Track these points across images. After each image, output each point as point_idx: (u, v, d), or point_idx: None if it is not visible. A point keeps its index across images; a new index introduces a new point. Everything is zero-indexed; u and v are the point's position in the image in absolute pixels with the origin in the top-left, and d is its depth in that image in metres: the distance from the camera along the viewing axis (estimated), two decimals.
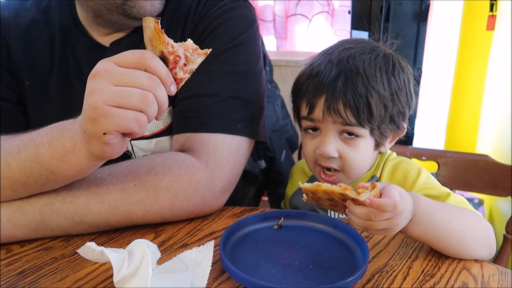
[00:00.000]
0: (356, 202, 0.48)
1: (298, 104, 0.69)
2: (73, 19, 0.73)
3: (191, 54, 0.49)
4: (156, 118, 0.48)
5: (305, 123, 0.68)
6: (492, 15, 1.53)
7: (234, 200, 0.70)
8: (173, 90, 0.48)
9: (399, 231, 0.51)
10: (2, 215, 0.56)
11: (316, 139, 0.67)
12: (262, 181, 1.02)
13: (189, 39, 0.50)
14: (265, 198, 1.16)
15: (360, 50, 0.66)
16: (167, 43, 0.48)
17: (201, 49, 0.50)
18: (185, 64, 0.48)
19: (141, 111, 0.46)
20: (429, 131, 2.00)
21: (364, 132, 0.65)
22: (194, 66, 0.49)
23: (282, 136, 1.11)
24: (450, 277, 0.50)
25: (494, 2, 1.52)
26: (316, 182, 0.51)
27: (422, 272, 0.51)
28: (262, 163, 1.01)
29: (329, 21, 2.20)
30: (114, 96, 0.45)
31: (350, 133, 0.65)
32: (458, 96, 1.95)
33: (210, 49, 0.50)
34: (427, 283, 0.49)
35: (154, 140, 0.72)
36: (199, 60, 0.50)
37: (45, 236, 0.58)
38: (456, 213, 0.54)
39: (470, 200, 1.74)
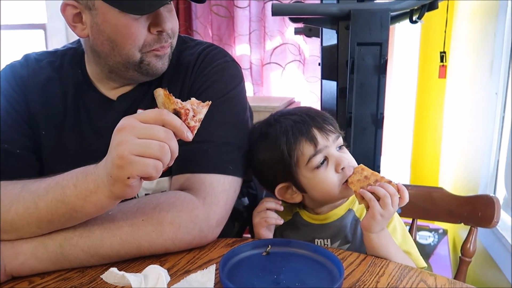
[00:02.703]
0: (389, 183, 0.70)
1: (299, 153, 0.75)
2: (83, 76, 0.84)
3: (196, 107, 0.61)
4: (168, 165, 0.59)
5: (316, 160, 0.74)
6: (443, 65, 1.75)
7: (221, 235, 0.78)
8: (190, 136, 0.59)
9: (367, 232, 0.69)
10: (26, 250, 0.64)
11: (329, 166, 0.75)
12: (245, 218, 1.12)
13: (193, 97, 0.62)
14: (247, 235, 1.24)
15: (282, 110, 0.83)
16: (177, 102, 0.59)
17: None
18: (194, 116, 0.60)
19: (158, 159, 0.56)
20: (396, 168, 2.17)
21: (342, 140, 0.79)
22: (201, 115, 0.61)
23: None
24: None
25: (444, 54, 1.74)
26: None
27: (388, 284, 0.62)
28: (246, 200, 1.10)
29: (301, 69, 2.40)
30: (138, 147, 0.55)
31: (340, 146, 0.78)
32: (419, 137, 2.14)
33: (210, 101, 0.62)
34: None
35: (155, 181, 0.82)
36: (204, 110, 0.61)
37: (63, 268, 0.66)
38: (401, 258, 0.73)
39: (436, 230, 1.88)
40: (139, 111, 0.81)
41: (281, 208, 0.81)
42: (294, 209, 0.85)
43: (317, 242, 0.80)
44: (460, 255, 0.97)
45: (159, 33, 0.74)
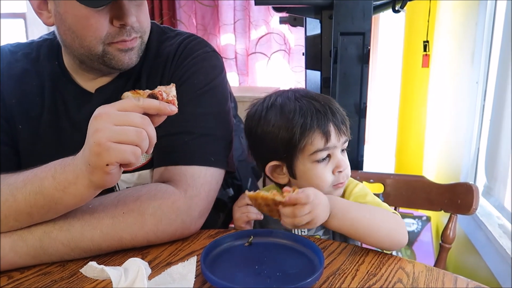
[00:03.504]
0: (283, 204, 0.61)
1: (309, 141, 0.74)
2: (61, 68, 0.82)
3: (165, 89, 0.61)
4: (146, 152, 0.58)
5: (321, 155, 0.74)
6: (426, 55, 1.77)
7: (207, 225, 0.78)
8: (174, 108, 0.59)
9: (324, 225, 0.66)
10: (5, 244, 0.63)
11: (329, 165, 0.75)
12: (230, 208, 1.12)
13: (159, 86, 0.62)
14: (232, 225, 1.25)
15: (305, 90, 0.81)
16: (146, 91, 0.60)
17: (178, 93, 0.62)
18: (167, 95, 0.60)
19: (136, 145, 0.56)
20: (380, 158, 2.20)
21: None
22: (174, 92, 0.61)
23: (247, 166, 1.21)
24: (389, 275, 0.62)
25: (427, 43, 1.75)
26: (258, 191, 0.63)
27: (367, 273, 0.63)
28: (230, 191, 1.10)
29: (286, 59, 2.39)
30: (115, 134, 0.55)
31: (342, 150, 0.78)
32: (403, 126, 2.17)
33: (173, 83, 0.62)
34: (370, 281, 0.60)
35: (137, 173, 0.81)
36: (173, 89, 0.62)
37: (43, 262, 0.65)
38: (370, 210, 0.71)
39: (419, 217, 1.92)
40: None
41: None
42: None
43: (295, 231, 0.80)
44: (440, 241, 0.99)
45: (121, 26, 0.72)
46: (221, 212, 1.08)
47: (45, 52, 0.84)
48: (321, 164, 0.75)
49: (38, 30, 2.54)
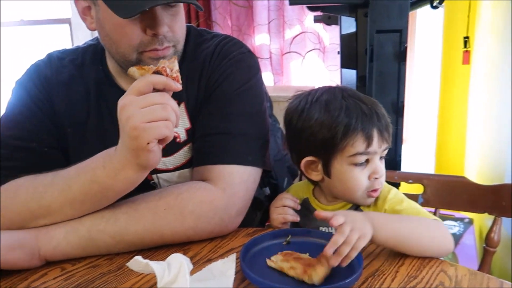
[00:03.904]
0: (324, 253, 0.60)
1: (350, 142, 0.72)
2: (104, 72, 0.86)
3: (168, 64, 0.65)
4: (176, 125, 0.64)
5: (360, 158, 0.73)
6: (467, 51, 1.70)
7: (244, 224, 0.80)
8: (178, 86, 0.64)
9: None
10: (59, 234, 0.68)
11: (366, 169, 0.74)
12: (266, 207, 1.13)
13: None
14: (268, 224, 1.26)
15: (352, 90, 0.79)
16: (151, 67, 0.64)
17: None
18: (171, 70, 0.64)
19: (166, 119, 0.61)
20: (419, 158, 2.13)
21: None
22: (176, 67, 0.65)
23: (283, 165, 1.22)
24: (430, 278, 0.61)
25: (467, 39, 1.69)
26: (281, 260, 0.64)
27: (407, 274, 0.62)
28: (267, 190, 1.11)
29: (321, 58, 2.38)
30: (145, 115, 0.60)
31: (381, 157, 0.76)
32: (444, 125, 2.09)
33: (175, 56, 0.67)
34: (411, 283, 0.60)
35: (177, 172, 0.84)
36: (175, 62, 0.65)
37: (92, 253, 0.69)
38: (412, 220, 0.69)
39: (461, 219, 1.85)
40: None
41: (298, 207, 0.81)
42: (304, 195, 0.86)
43: (322, 229, 0.80)
44: (484, 245, 0.95)
45: (154, 35, 0.73)
46: (257, 210, 1.09)
47: (89, 58, 0.87)
48: (359, 167, 0.74)
49: (83, 34, 2.65)
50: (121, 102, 0.63)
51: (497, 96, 1.68)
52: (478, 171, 1.88)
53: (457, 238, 1.83)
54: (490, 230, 0.94)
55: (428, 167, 2.18)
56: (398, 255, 0.67)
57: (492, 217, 0.95)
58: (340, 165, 0.75)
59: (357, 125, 0.72)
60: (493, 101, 1.72)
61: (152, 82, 0.62)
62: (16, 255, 0.65)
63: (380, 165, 0.75)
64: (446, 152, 2.12)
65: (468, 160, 2.06)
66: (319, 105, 0.75)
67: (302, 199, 0.87)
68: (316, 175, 0.79)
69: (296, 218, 0.80)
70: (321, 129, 0.74)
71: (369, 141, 0.72)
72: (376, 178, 0.74)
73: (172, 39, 0.76)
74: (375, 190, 0.75)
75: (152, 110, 0.61)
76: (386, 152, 0.76)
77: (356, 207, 0.79)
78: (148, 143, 0.61)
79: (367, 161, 0.74)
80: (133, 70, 0.64)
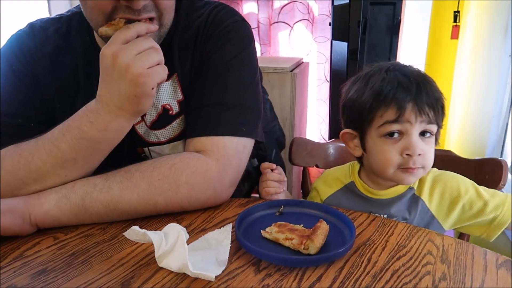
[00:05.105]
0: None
1: (379, 112, 0.72)
2: (92, 43, 0.82)
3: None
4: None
5: (390, 127, 0.71)
6: (456, 25, 1.71)
7: (232, 194, 0.80)
8: (156, 25, 0.68)
9: None
10: (51, 200, 0.67)
11: (399, 143, 0.72)
12: (254, 178, 1.14)
13: None
14: (255, 195, 1.27)
15: (403, 65, 0.77)
16: (119, 19, 0.65)
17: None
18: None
19: (161, 62, 0.64)
20: None
21: (435, 130, 0.74)
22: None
23: (271, 137, 1.22)
24: (418, 247, 0.63)
25: (458, 14, 1.69)
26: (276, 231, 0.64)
27: (397, 244, 0.64)
28: (255, 161, 1.12)
29: (310, 29, 2.34)
30: (145, 61, 0.62)
31: (426, 133, 0.72)
32: None
33: None
34: (400, 252, 0.62)
35: (169, 145, 0.83)
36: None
37: (84, 222, 0.69)
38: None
39: None
40: None
41: (285, 179, 0.84)
42: (350, 177, 0.85)
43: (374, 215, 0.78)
44: None
45: (128, 4, 0.66)
46: (246, 181, 1.10)
47: (75, 27, 0.83)
48: (389, 140, 0.72)
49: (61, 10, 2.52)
50: (109, 51, 0.62)
51: (483, 72, 1.70)
52: (459, 145, 1.93)
53: None
54: None
55: None
56: (387, 225, 0.70)
57: None
58: (371, 138, 0.75)
59: (389, 94, 0.71)
60: (478, 76, 1.75)
61: (137, 30, 0.63)
62: (6, 220, 0.63)
63: (418, 142, 0.71)
64: None
65: (449, 134, 2.11)
66: (365, 78, 0.76)
67: (345, 184, 0.86)
68: (357, 150, 0.80)
69: (279, 190, 0.83)
70: (357, 100, 0.74)
71: (400, 111, 0.70)
72: (408, 155, 0.71)
73: (152, 8, 0.69)
74: (411, 169, 0.72)
75: (148, 55, 0.62)
76: (431, 129, 0.72)
77: (413, 193, 0.79)
78: (152, 88, 0.63)
79: (401, 134, 0.72)
80: (104, 30, 0.64)
